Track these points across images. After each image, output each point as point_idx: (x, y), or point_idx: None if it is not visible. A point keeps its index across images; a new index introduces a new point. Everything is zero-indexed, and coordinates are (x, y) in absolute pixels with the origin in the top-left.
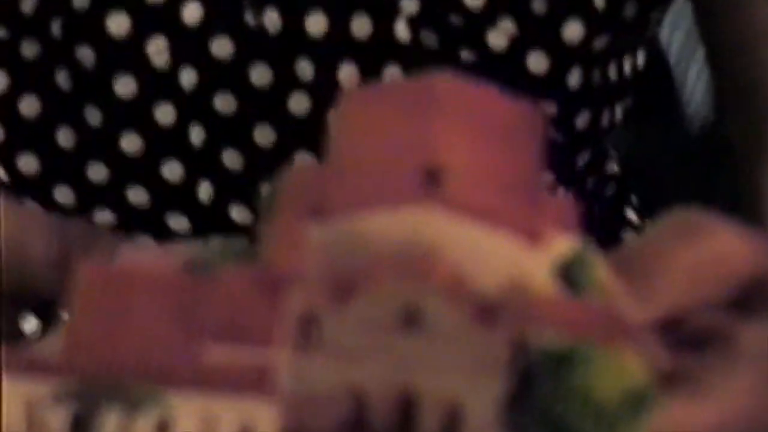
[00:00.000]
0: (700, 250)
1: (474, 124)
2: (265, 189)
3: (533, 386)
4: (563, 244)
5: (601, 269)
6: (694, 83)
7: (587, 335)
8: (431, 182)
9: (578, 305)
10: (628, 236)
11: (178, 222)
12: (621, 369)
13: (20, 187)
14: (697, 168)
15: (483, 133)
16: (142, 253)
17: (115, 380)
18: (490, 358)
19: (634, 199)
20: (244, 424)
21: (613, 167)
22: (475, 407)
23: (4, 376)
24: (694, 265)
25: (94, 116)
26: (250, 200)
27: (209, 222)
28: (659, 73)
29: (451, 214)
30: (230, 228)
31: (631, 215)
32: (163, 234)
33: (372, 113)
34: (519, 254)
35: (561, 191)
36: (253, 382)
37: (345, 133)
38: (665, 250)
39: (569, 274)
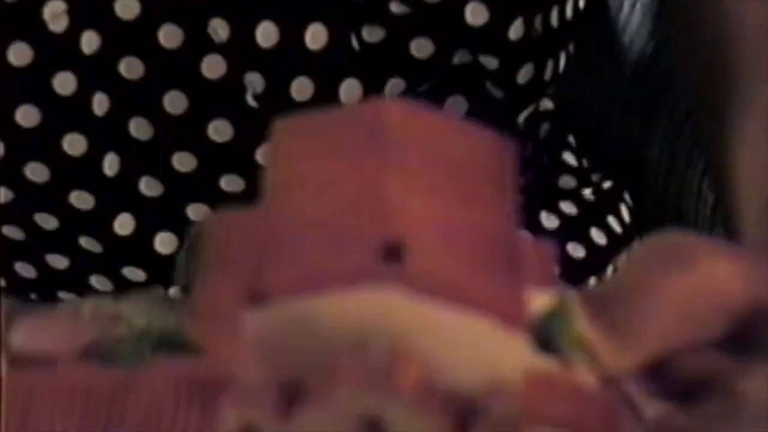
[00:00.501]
0: (691, 281)
1: (434, 172)
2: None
3: None
4: (540, 300)
5: (579, 321)
6: (630, 11)
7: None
8: (391, 256)
9: (568, 397)
10: (565, 181)
11: (82, 199)
12: None
13: None
14: (636, 102)
15: (445, 184)
16: (40, 329)
17: None
18: None
19: (571, 139)
20: None
21: (547, 104)
22: None
23: None
24: (685, 299)
25: None
26: (160, 172)
27: (116, 197)
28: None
29: (416, 294)
30: (138, 203)
31: (569, 158)
32: (67, 213)
33: (314, 157)
34: (497, 341)
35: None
36: None
37: (282, 180)
38: (651, 283)
39: (546, 331)
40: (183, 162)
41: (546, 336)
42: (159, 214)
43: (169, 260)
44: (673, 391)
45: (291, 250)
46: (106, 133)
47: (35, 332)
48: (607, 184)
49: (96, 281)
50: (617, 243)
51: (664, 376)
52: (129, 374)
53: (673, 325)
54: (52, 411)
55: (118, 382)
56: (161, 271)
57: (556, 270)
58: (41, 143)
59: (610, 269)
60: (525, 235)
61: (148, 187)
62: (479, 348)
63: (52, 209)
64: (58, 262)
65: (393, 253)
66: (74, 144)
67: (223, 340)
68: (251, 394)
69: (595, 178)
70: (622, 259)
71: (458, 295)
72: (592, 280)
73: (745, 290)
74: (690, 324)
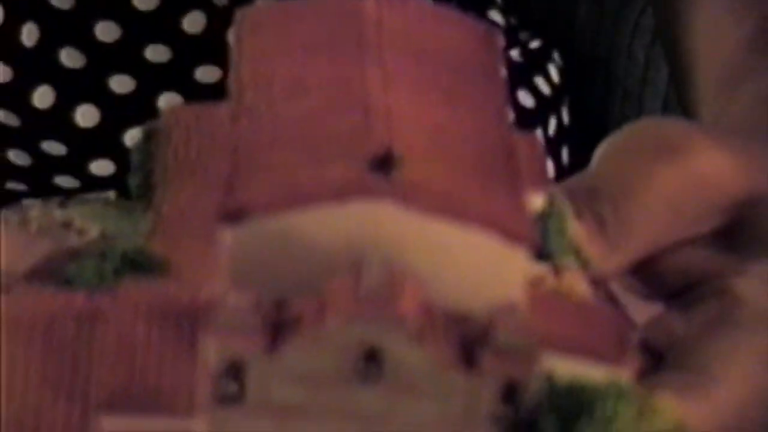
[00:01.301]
0: (679, 173)
1: (418, 68)
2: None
3: None
4: (534, 199)
5: (570, 221)
6: None
7: (589, 353)
8: (380, 166)
9: (574, 310)
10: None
11: None
12: (638, 418)
13: None
14: None
15: (431, 81)
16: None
17: None
18: (473, 409)
19: None
20: None
21: None
22: None
23: None
24: (675, 193)
25: None
26: (80, 43)
27: (34, 69)
28: None
29: (410, 209)
30: (58, 74)
31: (495, 16)
32: None
33: (282, 54)
34: (499, 257)
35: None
36: None
37: (249, 81)
38: (639, 176)
39: (540, 230)
40: (105, 32)
41: (539, 234)
42: (79, 86)
43: (89, 134)
44: (664, 290)
45: (267, 160)
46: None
47: None
48: (534, 44)
49: (14, 156)
50: (546, 105)
51: (654, 275)
52: (93, 299)
53: (663, 221)
54: (11, 343)
55: (82, 309)
56: (82, 145)
57: (546, 167)
58: None
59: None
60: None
61: (69, 58)
62: (480, 265)
63: None
64: None
65: (382, 162)
66: None
67: (197, 258)
68: (234, 322)
69: (522, 37)
70: (608, 146)
71: (456, 209)
72: None
73: (737, 182)
74: (680, 220)
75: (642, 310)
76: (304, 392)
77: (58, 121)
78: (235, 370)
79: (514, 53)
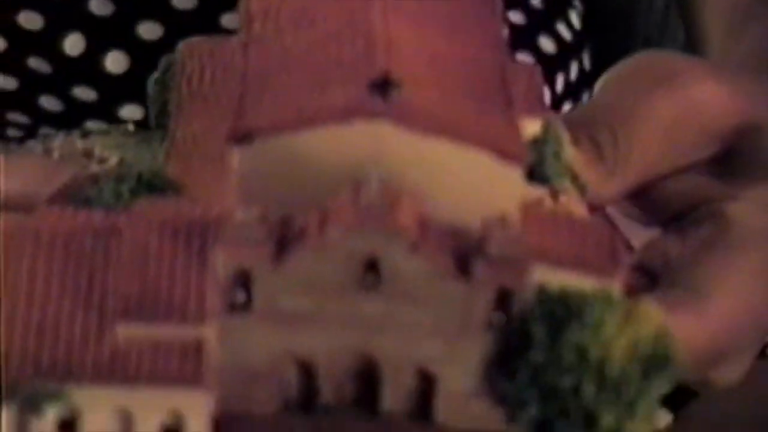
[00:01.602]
0: (677, 102)
1: (421, 1)
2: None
3: (522, 346)
4: (531, 124)
5: (567, 147)
6: None
7: (581, 265)
8: (381, 90)
9: (561, 223)
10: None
11: (30, 19)
12: (625, 322)
13: None
14: None
15: (430, 11)
16: (15, 171)
17: (6, 377)
18: (467, 317)
19: None
20: (168, 415)
21: None
22: (450, 374)
23: None
24: (671, 122)
25: None
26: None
27: (65, 16)
28: None
29: (409, 129)
30: (88, 21)
31: None
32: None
33: None
34: (493, 174)
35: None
36: (175, 368)
37: (258, 12)
38: (639, 103)
39: (535, 160)
40: None
41: (535, 165)
42: (108, 33)
43: (119, 79)
44: (661, 216)
45: (274, 86)
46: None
47: (5, 174)
48: None
49: (45, 102)
50: (567, 50)
51: (652, 201)
52: (110, 217)
53: (661, 148)
54: (33, 256)
55: (100, 225)
56: (112, 90)
57: (544, 95)
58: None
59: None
60: (511, 60)
61: (99, 5)
62: (474, 182)
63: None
64: (8, 83)
65: (381, 85)
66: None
67: (208, 179)
68: (241, 234)
69: None
70: (608, 78)
71: (453, 129)
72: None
73: (733, 111)
74: (677, 147)
75: (639, 235)
76: (308, 301)
77: (88, 67)
78: (243, 280)
79: (535, 0)
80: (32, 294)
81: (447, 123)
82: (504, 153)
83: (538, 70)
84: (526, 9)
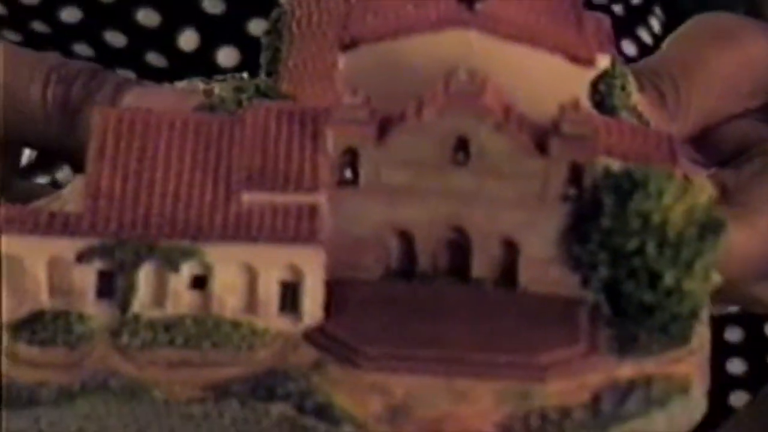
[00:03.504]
0: (734, 56)
1: None
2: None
3: (593, 215)
4: (598, 62)
5: (632, 87)
6: None
7: (644, 160)
8: (468, 3)
9: (626, 128)
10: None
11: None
12: (682, 192)
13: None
14: None
15: None
16: (152, 96)
17: (144, 238)
18: (545, 189)
19: None
20: (287, 271)
21: None
22: (531, 242)
23: (26, 237)
24: (729, 72)
25: None
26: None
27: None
28: None
29: (492, 36)
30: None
31: None
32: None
33: None
34: (566, 76)
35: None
36: (293, 228)
37: None
38: (700, 57)
39: (603, 92)
40: None
41: (602, 97)
42: (221, 30)
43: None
44: (718, 157)
45: (376, 5)
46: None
47: (145, 98)
48: (636, 1)
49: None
50: (648, 53)
51: (710, 143)
52: (234, 113)
53: (718, 98)
54: (168, 137)
55: (225, 117)
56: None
57: (610, 37)
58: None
59: None
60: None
61: (211, 4)
62: (550, 82)
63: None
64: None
65: (471, 1)
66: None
67: (317, 94)
68: (349, 116)
69: None
70: (672, 37)
71: (530, 36)
72: None
73: None
74: (733, 97)
75: (698, 174)
76: (407, 175)
77: (202, 62)
78: (350, 159)
79: (617, 9)
80: (168, 168)
81: (525, 31)
82: (575, 57)
83: (607, 18)
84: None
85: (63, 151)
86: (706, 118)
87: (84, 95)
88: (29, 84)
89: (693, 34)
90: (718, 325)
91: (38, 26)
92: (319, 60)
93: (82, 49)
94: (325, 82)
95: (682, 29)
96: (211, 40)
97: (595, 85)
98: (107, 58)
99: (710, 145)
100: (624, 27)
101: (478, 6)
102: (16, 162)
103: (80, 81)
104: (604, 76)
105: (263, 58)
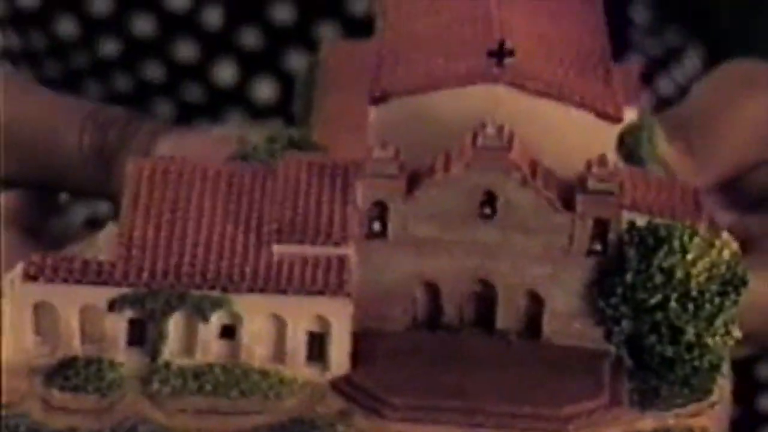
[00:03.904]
0: (761, 105)
1: None
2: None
3: (617, 270)
4: (628, 112)
5: (660, 138)
6: None
7: (669, 215)
8: (497, 61)
9: (652, 181)
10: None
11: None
12: (706, 248)
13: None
14: None
15: (542, 3)
16: (187, 144)
17: (175, 288)
18: (570, 244)
19: None
20: (314, 322)
21: None
22: (556, 296)
23: (60, 285)
24: (758, 120)
25: None
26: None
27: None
28: None
29: (520, 91)
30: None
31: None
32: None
33: None
34: (593, 131)
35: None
36: (321, 279)
37: (393, 5)
38: (727, 105)
39: (630, 144)
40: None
41: (629, 149)
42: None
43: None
44: (743, 204)
45: (406, 59)
46: None
47: (180, 145)
48: (673, 42)
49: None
50: (683, 93)
51: (738, 190)
52: (266, 164)
53: (745, 145)
54: (201, 189)
55: (258, 168)
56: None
57: (638, 89)
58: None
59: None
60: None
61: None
62: (576, 138)
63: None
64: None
65: (497, 53)
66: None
67: (349, 144)
68: (379, 170)
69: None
70: (700, 85)
71: (558, 91)
72: None
73: None
74: (762, 144)
75: (726, 220)
76: (435, 229)
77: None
78: (379, 211)
79: (654, 49)
80: (201, 218)
81: (553, 86)
82: (602, 112)
83: (636, 69)
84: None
85: (99, 196)
86: (735, 165)
87: (119, 142)
88: (66, 130)
89: (721, 82)
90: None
91: (79, 60)
92: (351, 111)
93: (122, 82)
94: (356, 134)
95: (710, 76)
96: (248, 73)
97: (622, 137)
98: (146, 91)
99: (738, 191)
100: (659, 67)
101: (507, 61)
102: (53, 204)
103: (116, 127)
104: (632, 129)
105: (297, 106)
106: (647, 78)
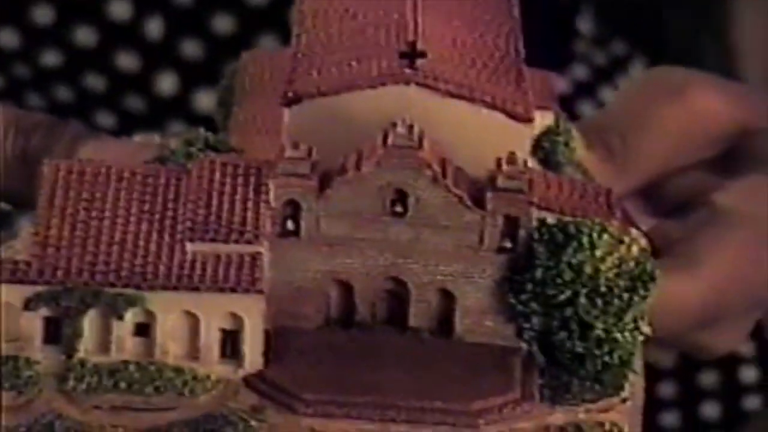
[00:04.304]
0: (684, 111)
1: (447, 1)
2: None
3: (527, 267)
4: (540, 119)
5: (578, 143)
6: None
7: (581, 215)
8: (408, 63)
9: (565, 182)
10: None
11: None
12: (615, 244)
13: None
14: None
15: (455, 11)
16: (108, 149)
17: (90, 285)
18: (481, 241)
19: None
20: (227, 319)
21: None
22: (467, 293)
23: None
24: (678, 126)
25: None
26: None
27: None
28: None
29: (432, 92)
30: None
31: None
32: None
33: None
34: (504, 132)
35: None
36: (234, 277)
37: (309, 13)
38: (647, 112)
39: (546, 148)
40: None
41: (546, 154)
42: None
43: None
44: (665, 208)
45: (321, 62)
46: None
47: (101, 150)
48: (619, 51)
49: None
50: None
51: (657, 195)
52: (182, 166)
53: (666, 151)
54: (116, 188)
55: (172, 170)
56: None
57: (555, 95)
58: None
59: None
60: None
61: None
62: (488, 139)
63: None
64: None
65: (409, 54)
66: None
67: (264, 147)
68: (291, 169)
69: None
70: (620, 91)
71: (469, 93)
72: None
73: (733, 117)
74: (682, 150)
75: (645, 224)
76: (347, 227)
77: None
78: (292, 209)
79: (599, 59)
80: (115, 218)
81: (463, 87)
82: (512, 112)
83: (552, 75)
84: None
85: (23, 202)
86: (656, 171)
87: (42, 147)
88: None
89: (642, 89)
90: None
91: (20, 70)
92: (268, 114)
93: (63, 93)
94: (272, 136)
95: (630, 84)
96: (189, 84)
97: (539, 142)
98: (87, 102)
99: (658, 197)
100: (604, 77)
101: (419, 63)
102: None
103: (39, 133)
104: (548, 133)
105: (217, 114)
106: (592, 88)
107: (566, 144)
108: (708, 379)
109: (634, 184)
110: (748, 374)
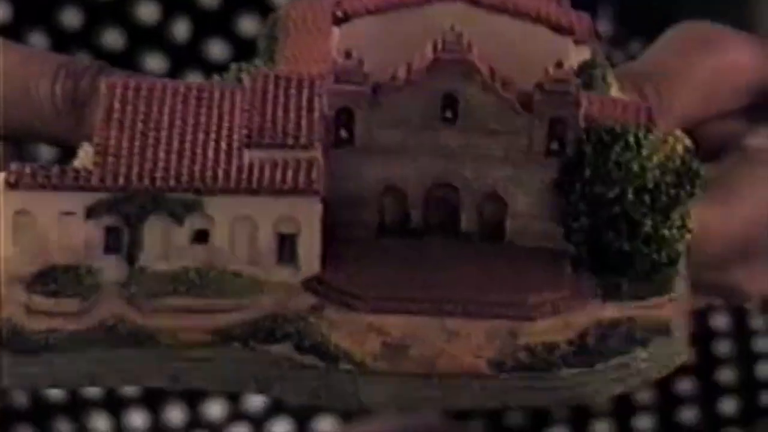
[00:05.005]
0: (715, 62)
1: None
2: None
3: (575, 168)
4: (581, 52)
5: (611, 78)
6: None
7: (624, 119)
8: None
9: (606, 99)
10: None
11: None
12: (660, 143)
13: None
14: None
15: None
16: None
17: (150, 191)
18: (530, 145)
19: None
20: (285, 223)
21: None
22: (517, 197)
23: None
24: (710, 77)
25: None
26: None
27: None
28: None
29: (478, 8)
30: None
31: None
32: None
33: None
34: (549, 45)
35: None
36: (292, 181)
37: None
38: (680, 64)
39: (585, 80)
40: None
41: (584, 85)
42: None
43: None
44: (699, 155)
45: None
46: None
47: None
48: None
49: None
50: None
51: (692, 143)
52: (236, 84)
53: (697, 101)
54: (171, 102)
55: (228, 85)
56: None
57: (591, 31)
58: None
59: None
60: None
61: None
62: (534, 54)
63: None
64: None
65: None
66: None
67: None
68: (344, 78)
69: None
70: (655, 44)
71: (516, 8)
72: None
73: (761, 70)
74: (713, 99)
75: None
76: (399, 134)
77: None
78: (345, 118)
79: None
80: (172, 129)
81: (509, 2)
82: (557, 26)
83: (587, 16)
84: None
85: (72, 145)
86: (687, 121)
87: (91, 90)
88: (38, 80)
89: (675, 42)
90: None
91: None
92: (315, 49)
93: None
94: (320, 65)
95: (665, 36)
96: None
97: (576, 74)
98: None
99: (693, 143)
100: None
101: None
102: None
103: (88, 76)
104: (585, 67)
105: (259, 60)
106: None
107: (603, 78)
108: (726, 375)
109: (665, 130)
110: (766, 370)
